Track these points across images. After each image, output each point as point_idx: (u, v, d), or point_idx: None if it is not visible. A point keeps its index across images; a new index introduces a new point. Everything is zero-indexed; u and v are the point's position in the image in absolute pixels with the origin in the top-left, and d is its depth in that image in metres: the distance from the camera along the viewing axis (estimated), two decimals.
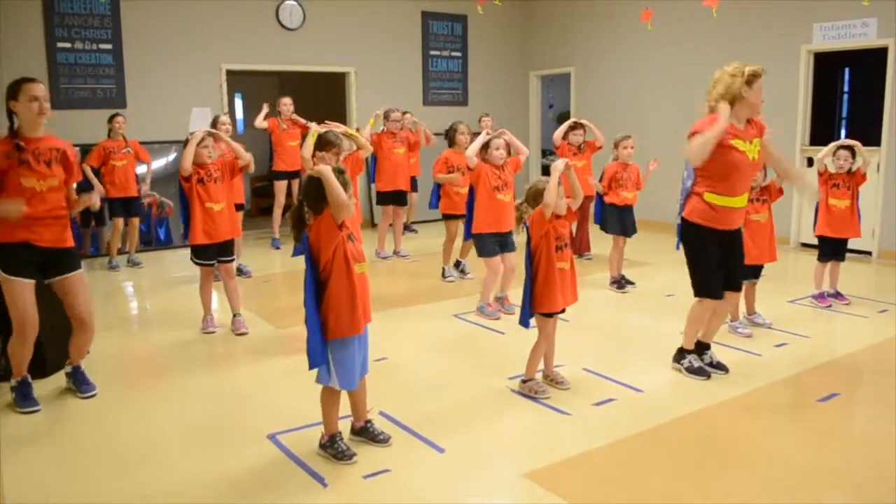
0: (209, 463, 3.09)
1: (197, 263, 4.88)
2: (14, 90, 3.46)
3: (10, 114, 3.48)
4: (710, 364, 4.07)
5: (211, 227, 4.75)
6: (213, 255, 4.85)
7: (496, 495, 2.85)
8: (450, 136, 6.31)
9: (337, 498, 2.80)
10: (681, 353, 4.11)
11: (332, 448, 3.07)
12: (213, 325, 5.00)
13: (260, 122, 7.88)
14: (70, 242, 3.69)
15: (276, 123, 7.94)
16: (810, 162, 7.71)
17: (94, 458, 3.16)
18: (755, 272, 4.80)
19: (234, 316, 5.01)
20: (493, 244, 5.19)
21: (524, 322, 3.72)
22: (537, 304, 3.69)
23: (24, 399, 3.67)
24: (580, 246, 7.21)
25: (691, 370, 4.00)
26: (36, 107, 3.44)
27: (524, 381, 3.81)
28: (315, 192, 2.86)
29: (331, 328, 2.91)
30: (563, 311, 3.76)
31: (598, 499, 2.77)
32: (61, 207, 3.62)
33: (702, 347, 4.11)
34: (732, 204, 3.76)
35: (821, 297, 5.50)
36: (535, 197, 3.70)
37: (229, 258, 4.97)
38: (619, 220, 6.10)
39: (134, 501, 2.79)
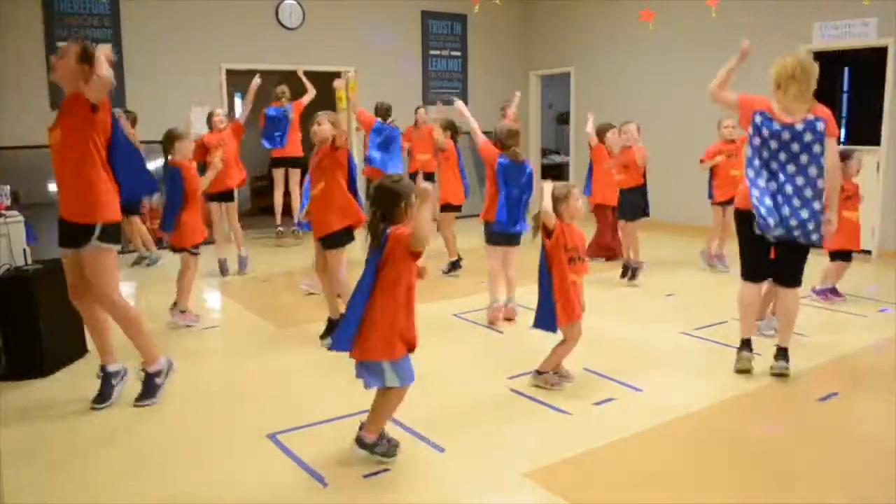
0: (209, 463, 3.09)
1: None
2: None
3: None
4: None
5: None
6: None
7: (496, 495, 2.85)
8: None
9: (337, 498, 2.80)
10: None
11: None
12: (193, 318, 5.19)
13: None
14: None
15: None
16: None
17: (92, 459, 3.16)
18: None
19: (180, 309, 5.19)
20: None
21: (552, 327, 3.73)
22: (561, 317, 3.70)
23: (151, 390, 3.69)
24: (609, 251, 7.18)
25: None
26: None
27: (539, 373, 3.81)
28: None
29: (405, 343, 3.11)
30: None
31: (598, 499, 2.77)
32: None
33: None
34: None
35: (822, 292, 5.53)
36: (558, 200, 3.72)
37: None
38: (636, 202, 6.18)
39: (133, 502, 2.79)
